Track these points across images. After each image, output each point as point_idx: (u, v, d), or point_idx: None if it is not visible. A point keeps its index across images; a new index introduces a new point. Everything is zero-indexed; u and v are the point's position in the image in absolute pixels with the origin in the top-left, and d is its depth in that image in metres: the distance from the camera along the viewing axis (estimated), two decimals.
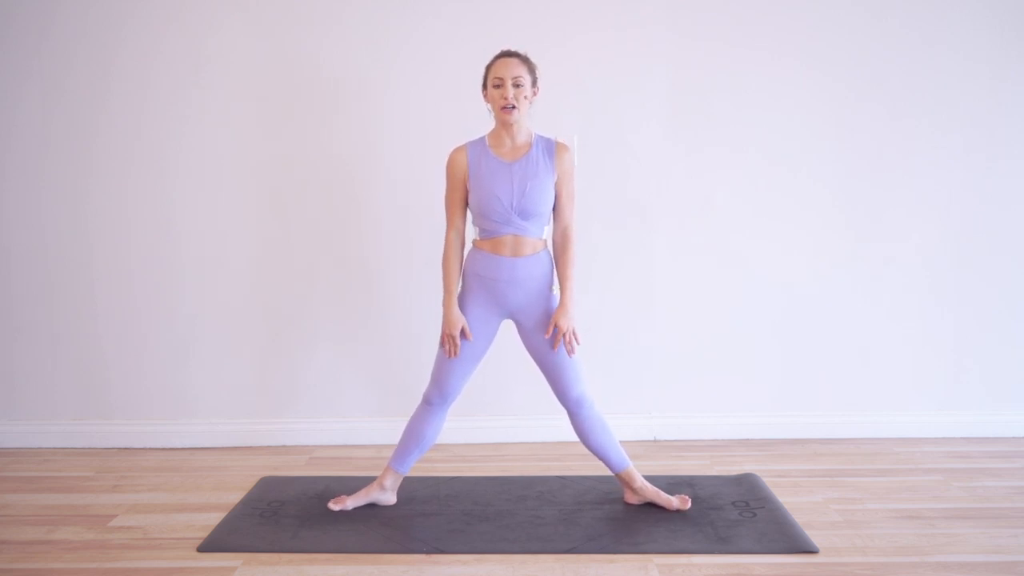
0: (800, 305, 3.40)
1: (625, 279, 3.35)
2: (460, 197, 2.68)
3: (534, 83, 2.62)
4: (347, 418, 3.43)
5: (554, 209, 2.68)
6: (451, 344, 2.62)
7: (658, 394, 3.44)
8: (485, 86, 2.64)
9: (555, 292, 2.68)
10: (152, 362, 3.41)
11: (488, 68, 2.64)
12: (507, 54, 2.62)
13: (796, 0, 3.27)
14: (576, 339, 2.62)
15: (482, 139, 2.69)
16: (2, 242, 3.37)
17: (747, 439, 3.42)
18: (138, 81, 3.29)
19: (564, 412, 3.43)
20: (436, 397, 2.69)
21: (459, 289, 2.69)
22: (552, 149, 2.65)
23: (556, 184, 2.65)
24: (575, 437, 3.39)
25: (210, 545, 2.45)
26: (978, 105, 3.30)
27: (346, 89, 3.30)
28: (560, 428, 3.43)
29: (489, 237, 2.64)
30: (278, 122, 3.31)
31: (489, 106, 2.65)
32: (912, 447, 3.30)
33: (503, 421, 3.44)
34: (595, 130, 3.31)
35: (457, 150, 2.69)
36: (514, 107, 2.57)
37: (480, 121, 3.28)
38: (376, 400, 3.44)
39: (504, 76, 2.56)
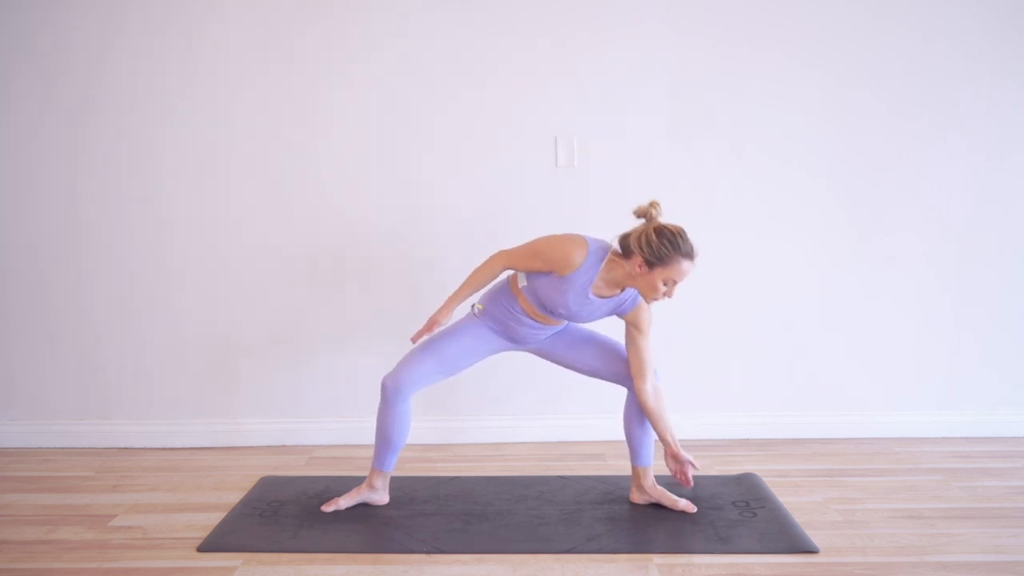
0: (800, 304, 3.40)
1: None
2: (533, 268, 2.55)
3: None
4: (347, 418, 3.43)
5: (636, 357, 2.60)
6: (426, 328, 2.60)
7: None
8: (651, 262, 2.40)
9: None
10: (152, 362, 3.41)
11: (667, 260, 2.40)
12: (692, 258, 2.44)
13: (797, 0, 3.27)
14: (692, 462, 2.66)
15: (601, 259, 2.49)
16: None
17: (747, 439, 3.42)
18: (134, 80, 3.29)
19: (565, 412, 3.46)
20: (390, 386, 2.62)
21: (478, 306, 2.69)
22: (636, 300, 2.58)
23: (632, 326, 2.60)
24: (575, 437, 3.43)
25: (210, 545, 2.45)
26: (978, 104, 3.30)
27: (347, 87, 3.30)
28: (560, 428, 3.44)
29: (529, 302, 2.60)
30: (278, 121, 3.31)
31: (632, 268, 2.45)
32: (912, 447, 3.30)
33: (503, 421, 3.44)
34: (595, 130, 3.30)
35: (575, 249, 2.47)
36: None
37: (480, 119, 3.29)
38: (376, 400, 3.42)
39: (679, 282, 2.45)
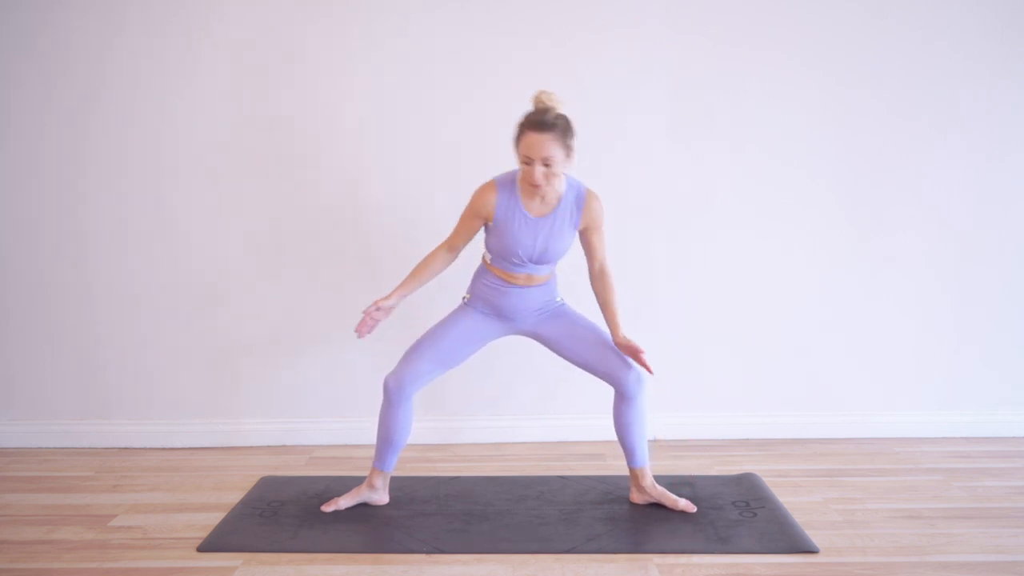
0: (800, 304, 3.40)
1: (625, 279, 3.33)
2: (472, 228, 2.62)
3: (568, 151, 2.43)
4: (347, 418, 3.43)
5: (586, 249, 2.67)
6: (368, 313, 2.60)
7: (658, 394, 3.43)
8: (515, 145, 2.45)
9: (559, 299, 2.73)
10: (152, 362, 3.41)
11: (519, 136, 2.42)
12: (538, 128, 2.36)
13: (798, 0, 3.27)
14: (638, 348, 2.56)
15: (513, 181, 2.55)
16: None
17: (747, 439, 3.42)
18: (134, 80, 3.29)
19: (565, 412, 3.45)
20: (393, 385, 2.62)
21: (465, 295, 2.73)
22: (582, 200, 2.58)
23: (585, 231, 2.62)
24: (575, 437, 3.43)
25: (210, 545, 2.45)
26: (978, 104, 3.30)
27: (347, 87, 3.30)
28: (560, 428, 3.44)
29: (501, 269, 2.64)
30: (277, 121, 3.31)
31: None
32: (912, 447, 3.30)
33: (503, 421, 3.44)
34: (595, 130, 3.30)
35: (486, 189, 2.56)
36: (540, 185, 2.43)
37: (480, 119, 3.29)
38: (376, 400, 3.41)
39: (533, 157, 2.38)
